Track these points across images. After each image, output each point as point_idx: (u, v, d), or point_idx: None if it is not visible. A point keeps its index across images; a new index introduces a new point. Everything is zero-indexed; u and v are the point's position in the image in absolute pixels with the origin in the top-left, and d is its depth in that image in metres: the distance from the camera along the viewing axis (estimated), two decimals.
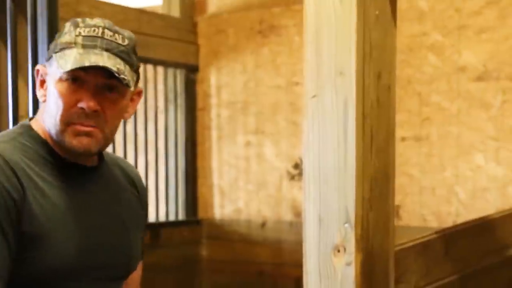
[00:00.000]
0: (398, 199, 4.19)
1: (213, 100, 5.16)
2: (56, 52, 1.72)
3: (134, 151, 4.81)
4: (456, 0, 4.31)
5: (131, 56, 1.76)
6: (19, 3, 3.17)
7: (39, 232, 1.64)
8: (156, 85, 5.05)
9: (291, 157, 4.87)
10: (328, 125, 1.87)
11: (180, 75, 5.14)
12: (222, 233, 5.13)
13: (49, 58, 1.76)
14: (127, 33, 1.78)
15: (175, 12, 5.14)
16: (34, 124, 1.79)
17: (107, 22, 1.75)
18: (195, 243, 5.15)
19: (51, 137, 1.75)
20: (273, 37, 4.91)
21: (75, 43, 1.70)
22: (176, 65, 5.10)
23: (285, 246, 4.84)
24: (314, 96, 1.89)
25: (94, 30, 1.72)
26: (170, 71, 5.12)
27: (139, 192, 1.99)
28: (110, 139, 1.78)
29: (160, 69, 5.06)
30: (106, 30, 1.73)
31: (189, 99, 5.17)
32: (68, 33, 1.73)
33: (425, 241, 2.27)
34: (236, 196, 5.09)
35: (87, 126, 1.70)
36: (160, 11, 5.17)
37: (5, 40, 3.21)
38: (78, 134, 1.70)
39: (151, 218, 4.96)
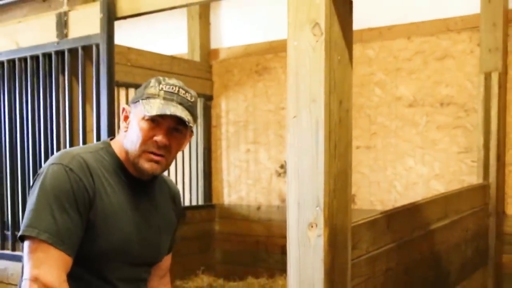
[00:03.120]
0: (354, 190, 4.19)
1: (223, 120, 5.16)
2: (143, 99, 1.68)
3: None
4: (394, 50, 4.32)
5: (195, 110, 1.74)
6: (87, 51, 3.16)
7: (97, 222, 1.63)
8: None
9: (278, 160, 4.86)
10: (305, 138, 1.86)
11: (200, 102, 5.13)
12: (229, 214, 5.11)
13: (135, 101, 1.72)
14: (193, 92, 1.76)
15: (197, 57, 5.15)
16: (113, 144, 1.76)
17: (181, 83, 1.73)
18: (210, 221, 5.13)
19: (125, 156, 1.72)
20: (265, 75, 4.91)
21: (158, 95, 1.68)
22: (197, 95, 5.08)
23: (274, 223, 4.83)
24: (294, 117, 1.88)
25: (173, 88, 1.69)
26: None
27: (176, 206, 1.93)
28: (169, 166, 1.75)
29: None
30: (180, 89, 1.70)
31: (206, 119, 5.16)
32: (153, 87, 1.69)
33: (373, 219, 2.26)
34: (239, 188, 5.08)
35: (158, 155, 1.67)
36: (186, 57, 5.18)
37: (77, 77, 3.21)
38: (150, 160, 1.67)
39: None
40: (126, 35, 4.79)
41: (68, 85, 3.22)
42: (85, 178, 1.60)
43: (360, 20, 3.95)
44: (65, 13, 3.21)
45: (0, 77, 3.53)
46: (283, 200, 4.75)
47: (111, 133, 3.04)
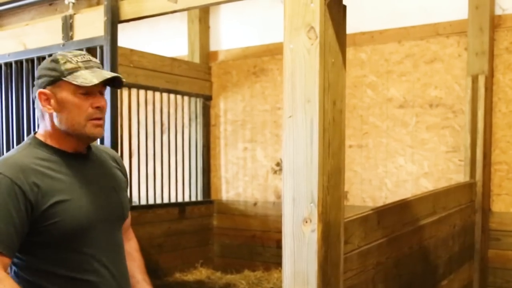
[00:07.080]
0: (346, 187, 4.19)
1: (222, 119, 5.16)
2: (66, 76, 1.70)
3: (168, 153, 4.79)
4: (385, 54, 4.32)
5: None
6: (92, 52, 3.14)
7: (57, 204, 1.65)
8: (183, 109, 5.04)
9: (274, 158, 4.86)
10: (300, 136, 1.85)
11: (199, 102, 5.13)
12: (227, 210, 5.11)
13: (53, 83, 1.72)
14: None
15: (196, 59, 5.14)
16: (38, 136, 1.78)
17: (83, 51, 1.79)
18: (209, 216, 5.13)
19: (55, 139, 1.75)
20: (262, 77, 4.91)
21: (79, 67, 1.71)
22: (196, 95, 5.08)
23: (270, 219, 4.83)
24: (290, 116, 1.88)
25: (84, 57, 1.75)
26: (193, 99, 5.10)
27: (120, 166, 1.98)
28: None
29: (186, 98, 5.04)
30: (87, 56, 1.77)
31: (205, 118, 5.15)
32: (68, 62, 1.71)
33: (364, 215, 2.26)
34: (237, 184, 5.08)
35: (100, 119, 1.75)
36: (186, 59, 5.17)
37: None
38: (96, 126, 1.73)
39: (180, 198, 4.95)
40: (129, 37, 4.78)
41: None
42: (17, 178, 1.61)
43: (353, 24, 3.96)
44: (71, 16, 3.20)
45: (8, 77, 3.52)
46: (279, 197, 4.75)
47: (114, 131, 3.03)
